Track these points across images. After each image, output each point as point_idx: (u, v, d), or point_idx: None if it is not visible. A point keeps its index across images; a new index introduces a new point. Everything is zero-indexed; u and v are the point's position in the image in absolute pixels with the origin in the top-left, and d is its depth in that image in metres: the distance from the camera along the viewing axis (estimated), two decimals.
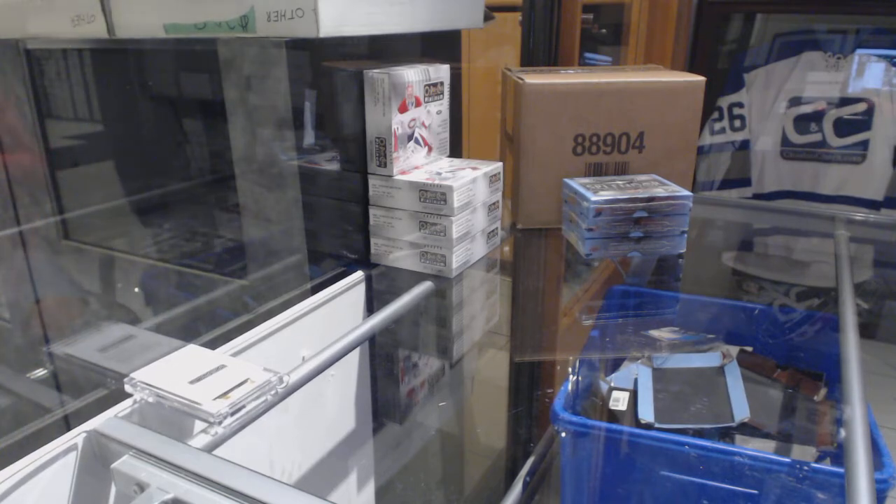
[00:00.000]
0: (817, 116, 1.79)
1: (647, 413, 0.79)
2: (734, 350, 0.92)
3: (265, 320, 0.68)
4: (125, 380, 0.53)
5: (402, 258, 0.81)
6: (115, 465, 0.45)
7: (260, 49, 0.79)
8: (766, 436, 0.79)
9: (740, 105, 1.86)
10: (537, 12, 1.16)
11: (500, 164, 0.86)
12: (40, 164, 0.96)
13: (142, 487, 0.44)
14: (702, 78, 0.90)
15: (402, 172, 0.80)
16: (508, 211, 0.96)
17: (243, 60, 0.80)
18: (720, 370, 0.84)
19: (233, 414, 0.49)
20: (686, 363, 0.86)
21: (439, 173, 0.80)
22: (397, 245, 0.81)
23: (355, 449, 0.89)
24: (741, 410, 0.78)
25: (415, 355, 0.94)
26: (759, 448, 0.75)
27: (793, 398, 0.84)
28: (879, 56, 1.75)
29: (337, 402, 0.83)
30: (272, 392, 0.52)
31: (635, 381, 0.84)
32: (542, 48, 1.18)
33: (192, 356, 0.56)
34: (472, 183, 0.79)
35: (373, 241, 0.83)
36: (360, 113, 0.78)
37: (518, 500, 0.80)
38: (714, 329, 0.95)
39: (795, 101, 1.81)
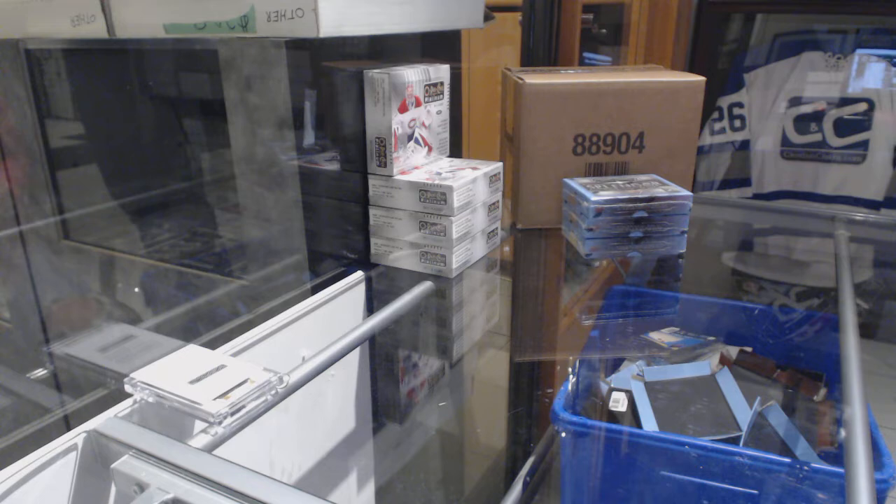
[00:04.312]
0: (817, 116, 1.79)
1: (651, 430, 0.78)
2: (734, 350, 0.92)
3: (265, 320, 0.68)
4: (125, 380, 0.53)
5: (402, 258, 0.81)
6: (115, 465, 0.45)
7: (260, 49, 0.79)
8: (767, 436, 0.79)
9: (740, 105, 1.86)
10: (537, 12, 1.16)
11: (500, 164, 0.86)
12: (40, 163, 0.96)
13: (142, 487, 0.44)
14: (702, 78, 0.90)
15: (402, 172, 0.80)
16: (508, 211, 0.96)
17: (243, 60, 0.80)
18: (712, 378, 0.84)
19: (233, 414, 0.49)
20: (676, 374, 0.85)
21: (439, 173, 0.80)
22: (397, 245, 0.81)
23: (355, 449, 0.89)
24: (745, 416, 0.78)
25: (415, 355, 0.94)
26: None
27: (793, 398, 0.84)
28: (879, 56, 1.75)
29: (337, 402, 0.83)
30: (272, 392, 0.52)
31: (633, 394, 0.84)
32: (542, 48, 1.18)
33: (192, 356, 0.56)
34: (472, 183, 0.79)
35: (373, 241, 0.83)
36: (360, 113, 0.78)
37: (518, 500, 0.80)
38: (714, 329, 0.95)
39: (795, 101, 1.81)
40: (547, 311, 0.97)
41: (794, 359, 0.91)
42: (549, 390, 0.97)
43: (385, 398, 0.94)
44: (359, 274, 0.81)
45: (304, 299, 0.74)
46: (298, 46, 0.79)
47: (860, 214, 1.05)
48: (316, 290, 0.76)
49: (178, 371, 0.53)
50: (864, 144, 1.75)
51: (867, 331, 0.80)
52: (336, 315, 0.78)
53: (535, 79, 0.89)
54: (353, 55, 0.86)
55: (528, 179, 0.92)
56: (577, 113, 0.89)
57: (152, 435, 0.47)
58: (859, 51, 1.76)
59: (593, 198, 0.80)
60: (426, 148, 0.84)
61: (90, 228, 1.00)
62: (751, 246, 1.30)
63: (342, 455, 0.86)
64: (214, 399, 0.50)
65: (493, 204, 0.86)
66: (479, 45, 1.38)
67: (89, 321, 0.93)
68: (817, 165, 1.80)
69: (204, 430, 0.49)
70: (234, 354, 0.63)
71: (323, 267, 0.84)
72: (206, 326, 0.73)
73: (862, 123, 1.74)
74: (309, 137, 0.86)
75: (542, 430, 0.93)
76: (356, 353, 0.85)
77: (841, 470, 0.54)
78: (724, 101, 1.88)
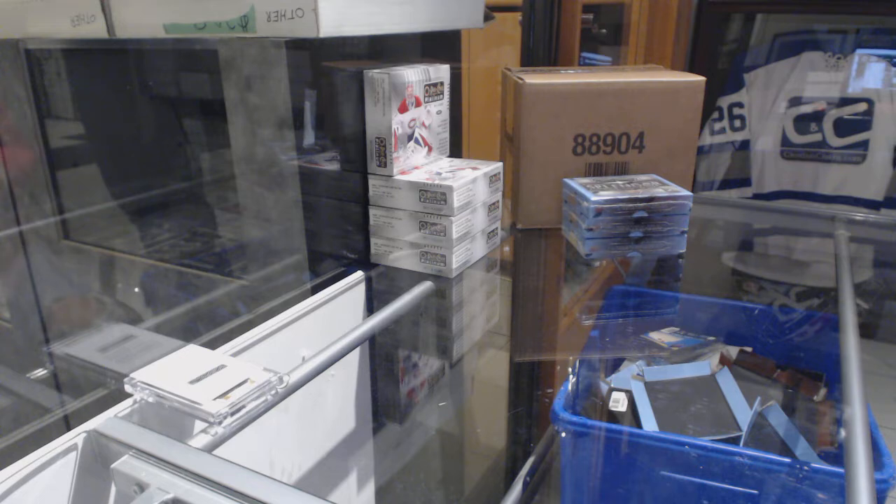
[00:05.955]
0: (817, 116, 1.79)
1: (651, 430, 0.78)
2: (734, 350, 0.92)
3: (265, 320, 0.68)
4: (125, 380, 0.53)
5: (402, 258, 0.81)
6: (115, 465, 0.45)
7: (260, 49, 0.79)
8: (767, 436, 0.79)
9: (740, 105, 1.86)
10: (537, 12, 1.16)
11: (500, 164, 0.86)
12: (40, 163, 0.96)
13: (142, 487, 0.44)
14: (702, 78, 0.90)
15: (402, 172, 0.80)
16: (508, 211, 0.96)
17: (243, 60, 0.80)
18: (712, 378, 0.84)
19: (233, 414, 0.49)
20: (676, 374, 0.85)
21: (439, 173, 0.80)
22: (397, 245, 0.81)
23: (355, 449, 0.89)
24: (745, 416, 0.78)
25: (415, 355, 0.94)
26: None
27: (793, 398, 0.84)
28: (879, 56, 1.75)
29: (337, 402, 0.83)
30: (272, 392, 0.52)
31: (633, 394, 0.84)
32: (542, 48, 1.18)
33: (192, 356, 0.56)
34: (472, 183, 0.79)
35: (373, 241, 0.83)
36: (360, 113, 0.78)
37: (518, 500, 0.80)
38: (714, 329, 0.95)
39: (795, 101, 1.81)
40: (547, 311, 0.97)
41: (794, 359, 0.91)
42: (549, 390, 0.97)
43: (385, 398, 0.94)
44: (359, 274, 0.81)
45: (304, 299, 0.74)
46: (298, 46, 0.79)
47: (860, 214, 1.05)
48: (316, 290, 0.76)
49: (178, 371, 0.53)
50: (864, 144, 1.75)
51: (867, 331, 0.80)
52: (336, 315, 0.78)
53: (535, 79, 0.89)
54: (353, 55, 0.86)
55: (528, 179, 0.92)
56: (577, 113, 0.89)
57: (152, 435, 0.47)
58: (859, 51, 1.76)
59: (593, 198, 0.80)
60: (426, 148, 0.84)
61: (90, 228, 1.00)
62: (751, 246, 1.30)
63: (342, 455, 0.86)
64: (214, 399, 0.50)
65: (493, 204, 0.86)
66: (479, 45, 1.38)
67: (89, 321, 0.93)
68: (817, 165, 1.81)
69: (204, 430, 0.49)
70: (234, 354, 0.63)
71: (323, 267, 0.84)
72: (206, 326, 0.73)
73: (862, 123, 1.74)
74: (309, 137, 0.86)
75: (542, 430, 0.93)
76: (356, 353, 0.85)
77: (841, 470, 0.55)
78: (724, 101, 1.88)
